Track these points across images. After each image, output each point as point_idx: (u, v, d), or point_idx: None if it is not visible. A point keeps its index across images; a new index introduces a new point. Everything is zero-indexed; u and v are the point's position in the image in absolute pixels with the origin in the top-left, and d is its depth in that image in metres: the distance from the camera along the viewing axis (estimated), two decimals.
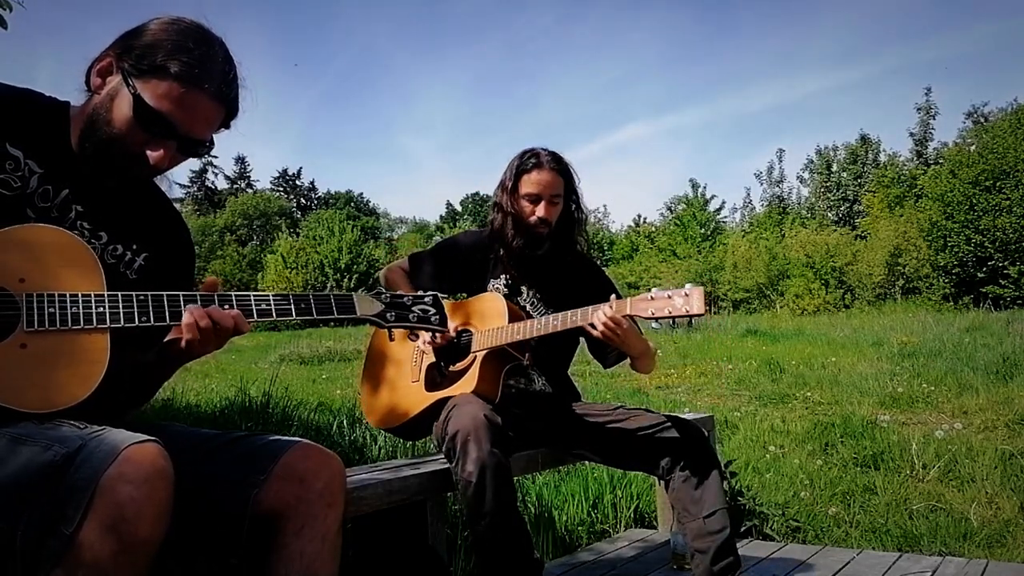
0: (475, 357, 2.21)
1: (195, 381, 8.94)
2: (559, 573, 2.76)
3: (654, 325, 1.99)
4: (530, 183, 2.33)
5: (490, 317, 2.23)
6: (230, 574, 1.43)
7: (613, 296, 2.04)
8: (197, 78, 1.31)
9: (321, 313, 1.42)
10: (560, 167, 2.35)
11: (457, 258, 2.47)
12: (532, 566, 2.03)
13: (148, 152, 1.33)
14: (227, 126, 1.41)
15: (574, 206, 2.41)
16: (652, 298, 1.96)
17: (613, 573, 2.76)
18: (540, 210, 2.32)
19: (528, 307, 2.39)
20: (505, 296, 2.32)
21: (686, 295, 1.92)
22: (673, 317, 1.94)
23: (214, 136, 1.40)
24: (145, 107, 1.29)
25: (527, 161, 2.35)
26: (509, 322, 2.17)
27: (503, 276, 2.42)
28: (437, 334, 2.14)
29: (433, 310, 1.56)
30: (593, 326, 2.01)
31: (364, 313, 1.47)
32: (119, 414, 1.35)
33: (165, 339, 1.43)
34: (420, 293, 1.57)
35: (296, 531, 1.30)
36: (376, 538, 2.08)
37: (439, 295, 1.59)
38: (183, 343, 1.32)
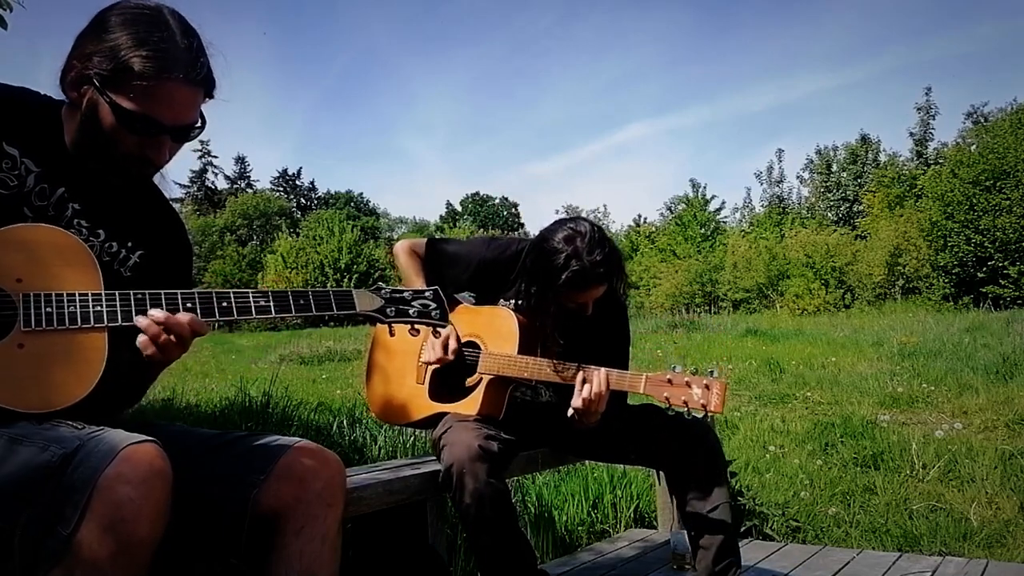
0: (481, 379, 2.18)
1: (195, 381, 8.94)
2: (559, 573, 2.75)
3: (669, 411, 1.95)
4: (574, 298, 2.10)
5: (500, 337, 2.18)
6: (230, 574, 1.43)
7: (629, 375, 1.99)
8: (164, 68, 1.27)
9: (320, 309, 1.40)
10: (607, 272, 2.06)
11: (474, 269, 2.31)
12: None
13: (148, 153, 1.32)
14: (210, 96, 1.37)
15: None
16: (670, 381, 1.91)
17: (613, 573, 2.75)
18: (588, 309, 2.15)
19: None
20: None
21: (706, 387, 1.86)
22: (688, 408, 1.89)
23: (203, 111, 1.37)
24: (125, 113, 1.27)
25: (569, 280, 2.03)
26: (520, 348, 2.13)
27: (514, 300, 2.29)
28: (440, 354, 2.11)
29: (434, 305, 1.54)
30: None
31: (363, 309, 1.46)
32: (116, 413, 1.34)
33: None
34: (421, 288, 1.55)
35: (296, 531, 1.30)
36: (376, 538, 2.08)
37: (440, 290, 1.57)
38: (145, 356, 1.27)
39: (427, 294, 1.54)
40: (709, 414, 1.89)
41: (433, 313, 1.54)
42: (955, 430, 5.37)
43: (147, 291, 1.28)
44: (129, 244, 1.42)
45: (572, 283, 2.03)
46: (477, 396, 2.15)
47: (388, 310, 1.49)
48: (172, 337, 1.26)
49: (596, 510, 3.55)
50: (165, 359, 1.29)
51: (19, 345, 1.17)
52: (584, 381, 2.02)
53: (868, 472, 4.56)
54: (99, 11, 1.32)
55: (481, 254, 2.31)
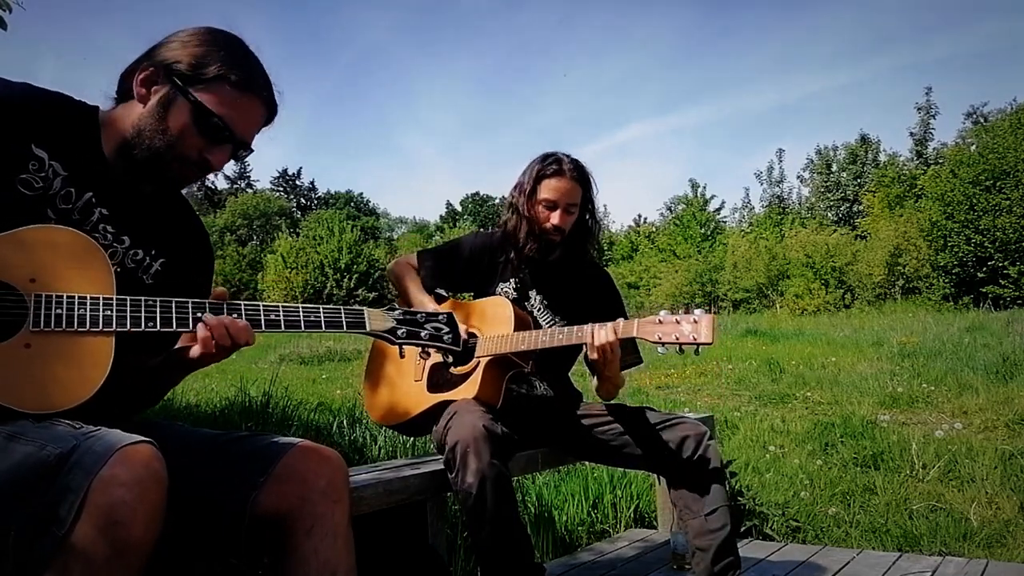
0: (478, 363, 2.19)
1: (195, 381, 8.92)
2: (559, 573, 2.76)
3: (660, 350, 1.97)
4: (549, 189, 2.31)
5: (496, 322, 2.21)
6: (230, 574, 1.43)
7: (621, 320, 2.02)
8: (254, 85, 1.40)
9: (330, 327, 1.40)
10: (580, 176, 2.33)
11: (465, 258, 2.43)
12: (534, 572, 2.03)
13: (208, 157, 1.39)
14: (269, 122, 1.48)
15: (589, 216, 2.39)
16: (660, 321, 1.92)
17: (613, 573, 2.76)
18: (555, 218, 2.31)
19: (535, 312, 2.37)
20: (513, 300, 2.31)
21: (695, 322, 1.87)
22: (680, 344, 1.91)
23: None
24: (207, 113, 1.35)
25: (548, 167, 2.32)
26: (514, 330, 2.16)
27: (512, 280, 2.40)
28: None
29: (447, 328, 1.53)
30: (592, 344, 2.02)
31: (375, 329, 1.46)
32: (122, 417, 1.35)
33: (176, 346, 1.43)
34: (434, 311, 1.55)
35: (306, 531, 1.30)
36: (376, 538, 2.08)
37: (453, 315, 1.56)
38: (197, 354, 1.32)
39: (440, 318, 1.54)
40: (701, 347, 1.88)
41: (445, 337, 1.53)
42: (955, 430, 5.37)
43: (158, 298, 1.28)
44: (152, 252, 1.44)
45: (545, 170, 2.31)
46: (475, 379, 2.17)
47: (399, 331, 1.49)
48: (229, 340, 1.31)
49: (596, 510, 3.55)
50: (214, 361, 1.34)
51: (26, 345, 1.17)
52: (597, 330, 2.03)
53: (868, 472, 4.56)
54: (178, 30, 1.42)
55: (470, 241, 2.48)
